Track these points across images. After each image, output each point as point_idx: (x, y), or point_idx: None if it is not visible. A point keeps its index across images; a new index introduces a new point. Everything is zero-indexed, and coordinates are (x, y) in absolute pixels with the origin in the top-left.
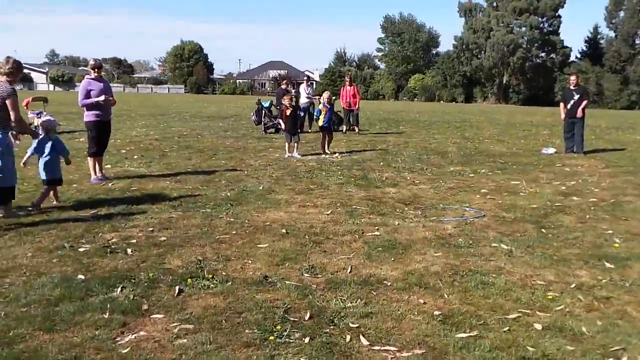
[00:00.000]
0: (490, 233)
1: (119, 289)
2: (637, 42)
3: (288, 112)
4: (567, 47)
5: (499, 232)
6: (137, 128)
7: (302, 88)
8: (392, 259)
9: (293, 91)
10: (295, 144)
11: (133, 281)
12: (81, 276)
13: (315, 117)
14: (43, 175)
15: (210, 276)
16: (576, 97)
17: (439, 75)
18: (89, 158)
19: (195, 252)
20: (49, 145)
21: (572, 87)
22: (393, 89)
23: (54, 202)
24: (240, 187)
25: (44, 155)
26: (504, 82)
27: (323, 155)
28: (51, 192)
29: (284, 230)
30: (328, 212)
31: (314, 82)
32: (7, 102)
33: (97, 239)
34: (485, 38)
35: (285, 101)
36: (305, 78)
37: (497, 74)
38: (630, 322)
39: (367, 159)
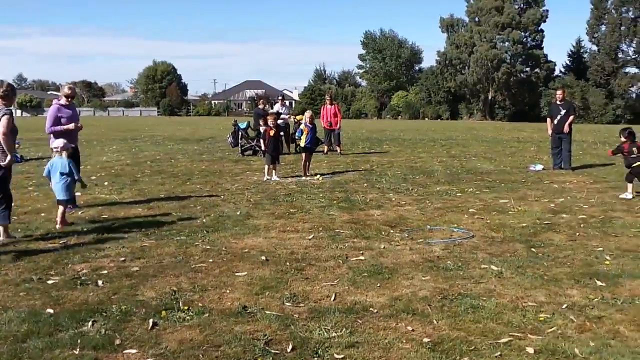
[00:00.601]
0: (480, 254)
1: (90, 323)
2: (619, 55)
3: (272, 132)
4: (551, 61)
5: (489, 252)
6: (107, 153)
7: (277, 108)
8: (378, 285)
9: (273, 110)
10: (275, 167)
11: (104, 314)
12: (50, 310)
13: (297, 137)
14: (66, 196)
15: (186, 308)
16: (563, 112)
17: (422, 92)
18: None
19: (169, 283)
20: (70, 165)
21: (558, 102)
22: (376, 107)
23: (15, 237)
24: (216, 213)
25: (67, 175)
26: (489, 97)
27: (303, 177)
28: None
29: (263, 257)
30: (310, 237)
31: (292, 102)
32: (2, 118)
33: (66, 270)
34: (468, 53)
35: (270, 121)
36: (279, 97)
37: (482, 89)
38: (623, 342)
39: (349, 180)
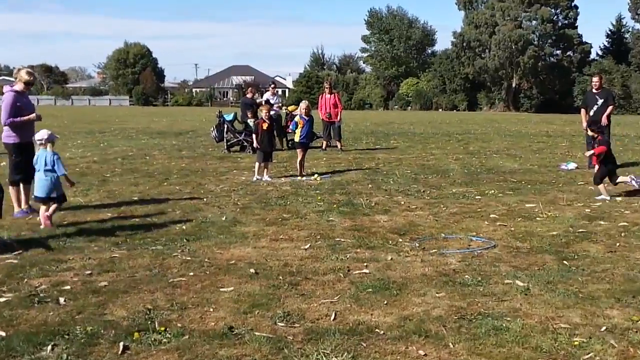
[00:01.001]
0: (503, 267)
1: (49, 347)
2: None
3: (265, 126)
4: (586, 43)
5: (513, 265)
6: (71, 149)
7: (267, 97)
8: (385, 302)
9: (262, 100)
10: (267, 165)
11: (67, 337)
12: (2, 333)
13: (290, 130)
14: (47, 193)
15: (163, 329)
16: (600, 102)
17: (436, 79)
18: (11, 187)
19: (143, 300)
20: (55, 160)
21: (594, 91)
22: (382, 96)
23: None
24: (198, 219)
25: (52, 170)
26: (514, 85)
27: (299, 178)
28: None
29: (252, 270)
30: (306, 247)
31: (286, 90)
32: None
33: (21, 285)
34: (489, 34)
35: (263, 113)
36: (270, 85)
37: (504, 76)
38: None
39: (352, 180)
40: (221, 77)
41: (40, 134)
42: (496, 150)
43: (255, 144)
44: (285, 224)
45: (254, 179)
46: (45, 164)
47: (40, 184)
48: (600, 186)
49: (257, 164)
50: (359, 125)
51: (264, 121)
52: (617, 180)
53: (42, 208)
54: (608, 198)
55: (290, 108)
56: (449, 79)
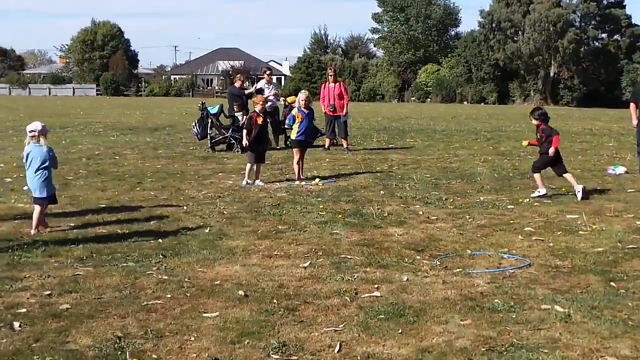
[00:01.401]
0: (539, 290)
1: None
2: None
3: (260, 120)
4: (636, 25)
5: (552, 288)
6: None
7: (261, 86)
8: (400, 331)
9: (253, 89)
10: (259, 167)
11: None
12: None
13: (286, 126)
14: (43, 193)
15: None
16: None
17: (460, 66)
18: None
19: (112, 326)
20: (50, 155)
21: None
22: (396, 86)
23: None
24: (177, 230)
25: (46, 168)
26: (552, 74)
27: (297, 182)
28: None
29: (241, 292)
30: (305, 265)
31: (282, 78)
32: None
33: None
34: (522, 13)
35: (258, 106)
36: (265, 71)
37: (541, 63)
38: None
39: (360, 186)
40: (205, 62)
41: (34, 125)
42: (532, 151)
43: (244, 142)
44: (280, 237)
45: (244, 183)
46: (43, 161)
47: (37, 182)
48: None
49: (247, 166)
50: (368, 120)
51: (259, 115)
52: None
53: (37, 210)
54: None
55: (289, 99)
56: (475, 66)
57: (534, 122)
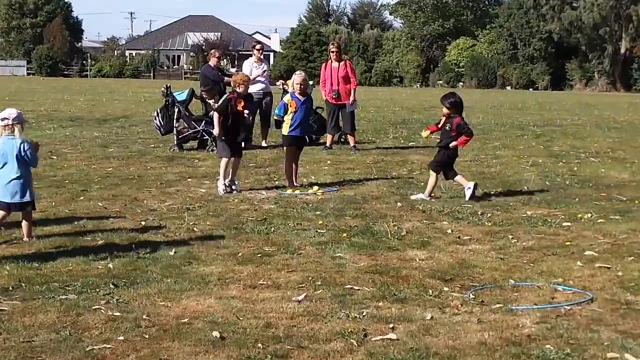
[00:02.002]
0: (604, 332)
1: None
2: None
3: (240, 106)
4: None
5: (620, 330)
6: None
7: (248, 65)
8: None
9: (253, 67)
10: (236, 164)
11: None
12: None
13: (276, 117)
14: (24, 197)
15: None
16: None
17: (502, 40)
18: None
19: None
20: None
21: None
22: (418, 66)
23: None
24: (132, 252)
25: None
26: (622, 51)
27: (289, 191)
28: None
29: (216, 334)
30: (299, 298)
31: (270, 54)
32: None
33: None
34: None
35: (240, 87)
36: (254, 46)
37: (608, 36)
38: None
39: (371, 195)
40: (170, 33)
41: (6, 112)
42: (595, 152)
43: (215, 129)
44: (267, 262)
45: (220, 190)
46: (20, 156)
47: (8, 184)
48: None
49: (222, 163)
50: (382, 110)
51: (238, 97)
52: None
53: (1, 214)
54: None
55: (290, 82)
56: (522, 41)
57: (445, 110)
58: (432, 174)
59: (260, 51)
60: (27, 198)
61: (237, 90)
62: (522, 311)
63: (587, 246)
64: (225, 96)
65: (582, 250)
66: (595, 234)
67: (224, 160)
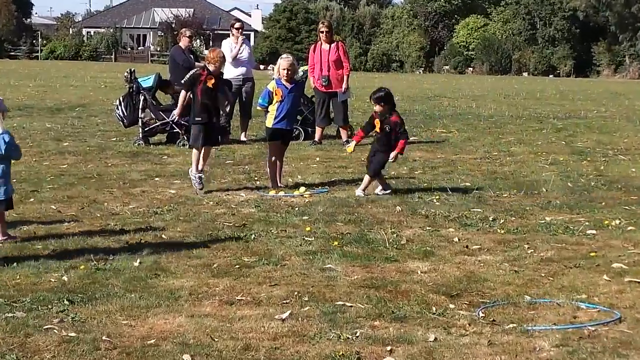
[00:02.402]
0: (634, 357)
1: None
2: None
3: (210, 83)
4: None
5: None
6: None
7: (228, 46)
8: None
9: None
10: (207, 153)
11: None
12: None
13: (259, 106)
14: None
15: None
16: None
17: (519, 19)
18: None
19: None
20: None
21: None
22: (421, 49)
23: None
24: (91, 263)
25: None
26: None
27: (272, 193)
28: None
29: (186, 358)
30: (284, 316)
31: (250, 34)
32: None
33: None
34: None
35: (212, 65)
36: (233, 25)
37: None
38: None
39: (367, 197)
40: (134, 9)
41: None
42: (625, 149)
43: (177, 111)
44: (246, 274)
45: (198, 187)
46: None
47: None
48: None
49: (194, 154)
50: None
51: (210, 74)
52: None
53: None
54: None
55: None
56: (541, 20)
57: (377, 108)
58: (376, 178)
59: (240, 30)
60: (4, 196)
61: (208, 67)
62: (540, 332)
63: (615, 257)
64: (192, 71)
65: (610, 262)
66: (624, 243)
67: (195, 153)
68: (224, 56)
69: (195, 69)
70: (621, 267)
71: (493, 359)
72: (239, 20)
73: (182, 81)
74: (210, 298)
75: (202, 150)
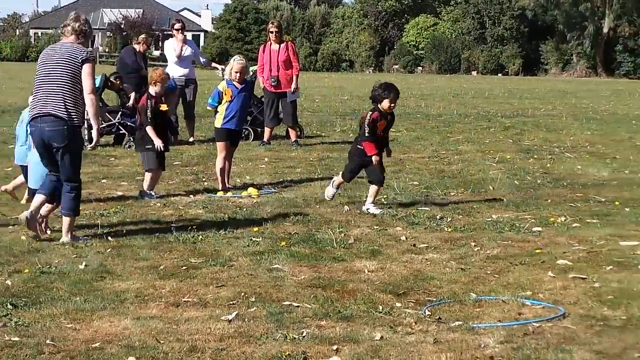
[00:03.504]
0: (578, 353)
1: None
2: None
3: (163, 108)
4: None
5: (596, 350)
6: None
7: (171, 47)
8: None
9: (174, 49)
10: (160, 171)
11: None
12: None
13: (209, 107)
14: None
15: None
16: None
17: (468, 19)
18: None
19: None
20: None
21: None
22: (371, 48)
23: None
24: (35, 266)
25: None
26: (605, 30)
27: (219, 193)
28: None
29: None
30: (230, 317)
31: (200, 35)
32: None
33: None
34: None
35: (157, 86)
36: (174, 26)
37: (590, 14)
38: None
39: (315, 198)
40: (83, 10)
41: None
42: (571, 147)
43: (157, 144)
44: (193, 276)
45: (149, 192)
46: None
47: (36, 168)
48: None
49: (147, 176)
50: (330, 99)
51: (160, 101)
52: None
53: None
54: None
55: (227, 68)
56: (490, 19)
57: (387, 104)
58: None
59: (180, 31)
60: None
61: (154, 89)
62: (485, 329)
63: (560, 254)
64: (144, 99)
65: (555, 259)
66: (569, 240)
67: (148, 175)
68: (168, 74)
69: (148, 97)
70: (566, 264)
71: (438, 357)
72: (179, 20)
73: (141, 115)
74: (156, 300)
75: (156, 172)
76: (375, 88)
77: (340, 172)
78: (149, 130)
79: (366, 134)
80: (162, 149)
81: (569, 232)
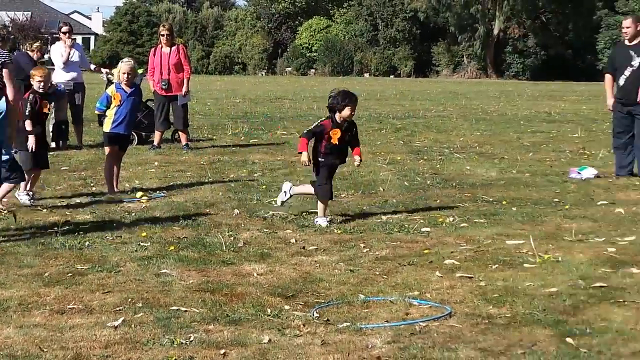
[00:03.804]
0: (463, 351)
1: None
2: None
3: (46, 108)
4: None
5: (481, 347)
6: None
7: (57, 50)
8: None
9: (62, 53)
10: (37, 175)
11: None
12: None
13: (97, 111)
14: None
15: None
16: (636, 62)
17: (360, 21)
18: None
19: None
20: None
21: (627, 43)
22: (264, 51)
23: None
24: None
25: None
26: (495, 32)
27: (107, 195)
28: None
29: None
30: (116, 323)
31: (90, 38)
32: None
33: None
34: None
35: (38, 82)
36: (61, 29)
37: (480, 15)
38: None
39: (205, 202)
40: None
41: None
42: (461, 147)
43: (30, 143)
44: (79, 282)
45: (21, 198)
46: None
47: None
48: None
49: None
50: (221, 102)
51: (43, 98)
52: None
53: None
54: None
55: (115, 71)
56: (383, 21)
57: (347, 112)
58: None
59: (67, 35)
60: None
61: (39, 88)
62: (373, 330)
63: (448, 254)
64: (28, 96)
65: (442, 258)
66: (457, 240)
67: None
68: (49, 73)
69: (32, 94)
70: (453, 263)
71: (326, 358)
72: (67, 23)
73: (23, 107)
74: (40, 308)
75: (33, 174)
76: (333, 96)
77: (318, 198)
78: (27, 124)
79: (305, 131)
80: (34, 149)
81: (457, 232)
